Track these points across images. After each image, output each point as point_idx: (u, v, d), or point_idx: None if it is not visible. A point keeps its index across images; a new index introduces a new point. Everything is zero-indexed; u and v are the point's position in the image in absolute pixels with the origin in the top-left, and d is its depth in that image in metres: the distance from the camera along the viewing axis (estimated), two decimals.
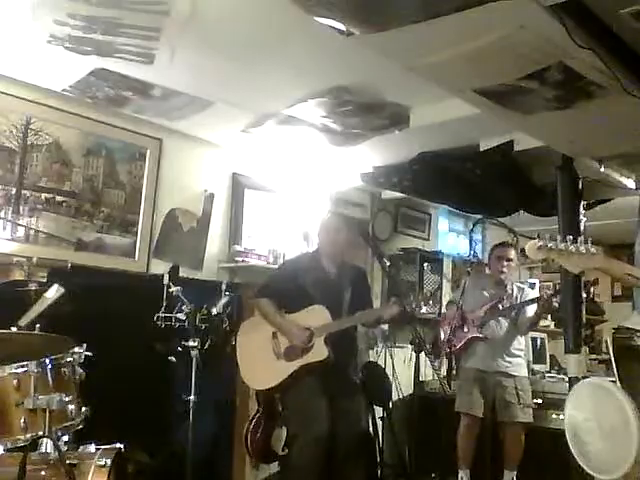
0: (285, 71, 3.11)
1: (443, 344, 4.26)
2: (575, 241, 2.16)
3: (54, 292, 2.77)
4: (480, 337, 4.20)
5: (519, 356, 4.25)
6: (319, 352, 3.25)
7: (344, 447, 3.25)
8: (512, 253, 4.34)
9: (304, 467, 3.13)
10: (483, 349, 4.20)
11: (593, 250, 2.15)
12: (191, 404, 3.33)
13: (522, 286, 4.52)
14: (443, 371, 4.72)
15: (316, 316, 3.32)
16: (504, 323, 4.25)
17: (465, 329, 4.24)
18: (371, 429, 3.96)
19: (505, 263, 4.28)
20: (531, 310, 4.21)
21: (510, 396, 4.08)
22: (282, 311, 3.42)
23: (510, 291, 4.32)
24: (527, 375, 4.33)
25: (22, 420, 2.14)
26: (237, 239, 4.39)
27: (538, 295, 4.38)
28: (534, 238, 2.16)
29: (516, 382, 4.12)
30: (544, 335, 5.48)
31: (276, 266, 4.30)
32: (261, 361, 3.37)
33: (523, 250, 5.65)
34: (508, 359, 4.18)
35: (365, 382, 4.75)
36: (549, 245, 2.13)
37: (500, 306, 4.23)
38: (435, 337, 4.79)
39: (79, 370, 2.45)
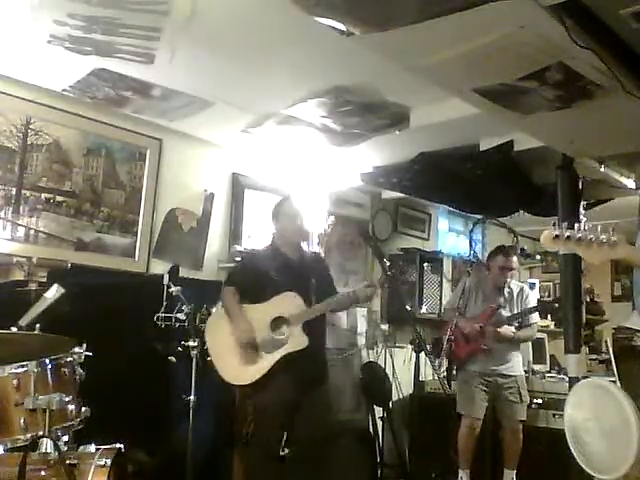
0: (285, 71, 3.11)
1: (445, 352, 4.22)
2: (594, 229, 1.96)
3: (54, 292, 2.78)
4: (483, 348, 4.17)
5: (517, 354, 4.27)
6: (299, 341, 3.13)
7: (317, 432, 3.19)
8: (515, 261, 4.33)
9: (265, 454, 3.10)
10: (484, 353, 4.19)
11: (614, 239, 1.95)
12: (191, 404, 3.33)
13: (521, 285, 4.51)
14: (443, 371, 4.72)
15: (289, 303, 3.19)
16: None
17: (467, 339, 4.21)
18: (371, 429, 3.96)
19: (509, 273, 4.29)
20: (535, 316, 4.23)
21: (513, 395, 4.12)
22: (247, 302, 3.26)
23: (508, 295, 4.31)
24: (523, 372, 4.34)
25: (22, 420, 2.15)
26: (237, 239, 4.38)
27: (537, 299, 4.39)
28: (533, 238, 2.12)
29: (517, 381, 4.15)
30: (544, 335, 5.48)
31: None
32: (239, 356, 3.17)
33: (523, 250, 5.71)
34: (508, 359, 4.19)
35: (365, 382, 4.79)
36: (566, 234, 1.94)
37: (502, 312, 4.24)
38: (435, 339, 4.79)
39: (79, 370, 2.46)
